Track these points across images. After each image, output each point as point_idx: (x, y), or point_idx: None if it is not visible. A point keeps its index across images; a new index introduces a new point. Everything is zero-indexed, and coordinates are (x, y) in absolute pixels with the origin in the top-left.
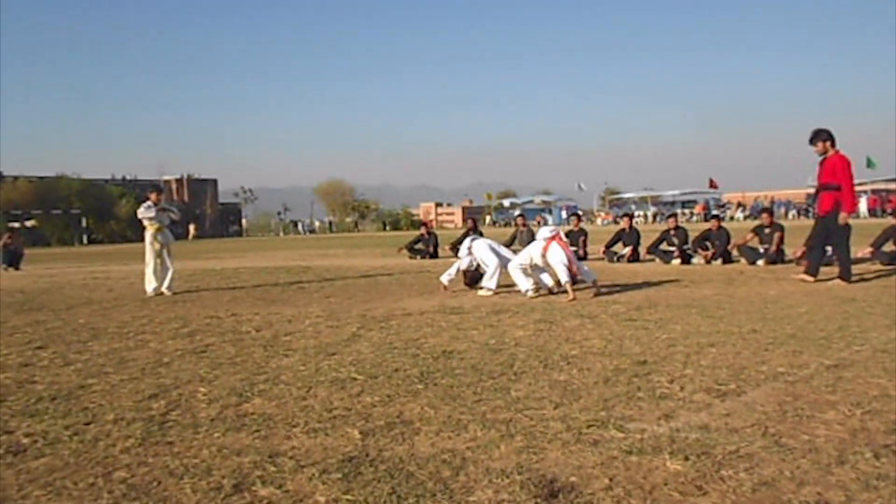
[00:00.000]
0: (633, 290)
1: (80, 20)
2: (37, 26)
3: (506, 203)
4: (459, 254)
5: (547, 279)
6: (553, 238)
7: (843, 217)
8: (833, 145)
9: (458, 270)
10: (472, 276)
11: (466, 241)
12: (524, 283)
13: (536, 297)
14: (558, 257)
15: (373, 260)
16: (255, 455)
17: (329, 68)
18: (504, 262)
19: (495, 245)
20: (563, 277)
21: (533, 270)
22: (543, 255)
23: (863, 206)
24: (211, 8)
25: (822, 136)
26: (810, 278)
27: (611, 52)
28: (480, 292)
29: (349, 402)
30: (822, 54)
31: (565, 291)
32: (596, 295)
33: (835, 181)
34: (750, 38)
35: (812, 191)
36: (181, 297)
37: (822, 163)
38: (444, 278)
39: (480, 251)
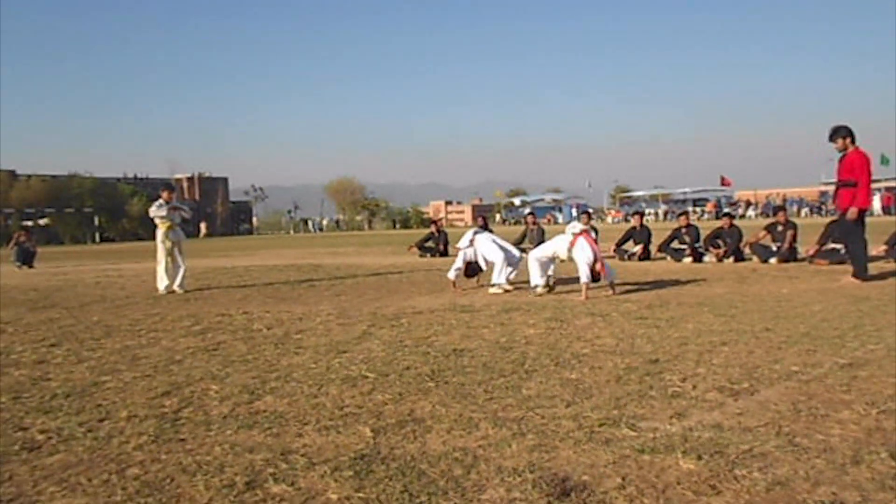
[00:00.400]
0: (645, 289)
1: (91, 20)
2: (46, 28)
3: (516, 201)
4: (460, 244)
5: (552, 269)
6: (581, 234)
7: (851, 212)
8: (853, 142)
9: (463, 261)
10: (472, 268)
11: (469, 233)
12: (536, 278)
13: (545, 293)
14: (584, 255)
15: (383, 258)
16: (268, 452)
17: (339, 67)
18: (510, 257)
19: (499, 240)
20: (583, 278)
21: (548, 263)
22: (569, 250)
23: (876, 203)
24: (222, 7)
25: (841, 133)
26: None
27: (620, 49)
28: (491, 290)
29: (360, 399)
30: (835, 50)
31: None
32: (612, 293)
33: (853, 178)
34: (761, 33)
35: (825, 188)
36: (193, 295)
37: (841, 160)
38: (451, 274)
39: (483, 245)
